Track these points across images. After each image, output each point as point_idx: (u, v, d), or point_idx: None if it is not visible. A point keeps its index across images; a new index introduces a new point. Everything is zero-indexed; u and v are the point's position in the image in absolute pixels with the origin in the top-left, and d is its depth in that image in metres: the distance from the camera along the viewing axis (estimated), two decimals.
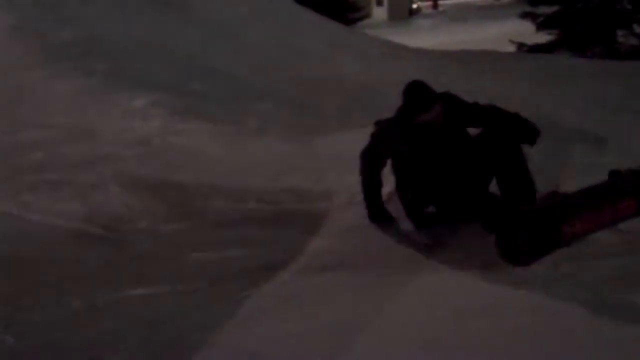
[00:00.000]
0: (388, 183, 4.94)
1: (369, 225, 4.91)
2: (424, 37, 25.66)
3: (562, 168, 5.47)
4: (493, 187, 4.71)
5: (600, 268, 3.73)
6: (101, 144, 6.51)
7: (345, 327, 3.43)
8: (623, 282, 3.54)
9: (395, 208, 4.95)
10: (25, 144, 6.32)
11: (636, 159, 4.85)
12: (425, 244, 4.57)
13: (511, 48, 17.33)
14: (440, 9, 46.05)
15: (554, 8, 17.88)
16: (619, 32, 17.54)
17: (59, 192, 5.56)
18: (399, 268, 4.17)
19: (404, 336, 3.29)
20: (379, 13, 42.52)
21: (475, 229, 4.47)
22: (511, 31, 18.83)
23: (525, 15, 18.22)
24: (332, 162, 6.20)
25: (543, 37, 18.04)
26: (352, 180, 5.13)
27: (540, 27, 18.02)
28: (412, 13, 44.29)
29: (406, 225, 4.83)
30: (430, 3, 47.14)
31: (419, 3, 46.32)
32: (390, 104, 4.89)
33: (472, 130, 4.80)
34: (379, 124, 4.79)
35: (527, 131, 4.66)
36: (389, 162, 4.83)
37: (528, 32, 18.10)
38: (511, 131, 4.62)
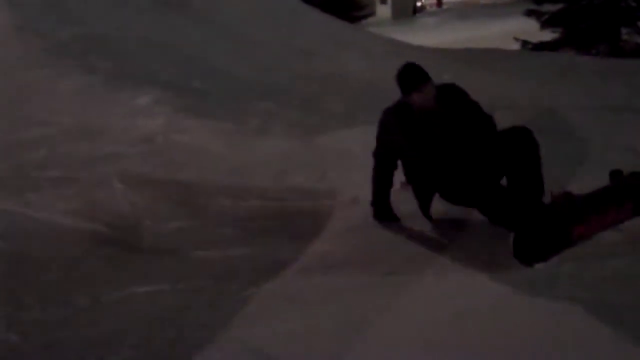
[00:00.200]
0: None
1: (373, 224, 4.91)
2: (428, 35, 25.63)
3: (565, 166, 5.46)
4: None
5: (602, 268, 3.72)
6: (104, 142, 6.52)
7: (347, 327, 3.43)
8: (625, 282, 3.54)
9: (400, 208, 4.95)
10: (28, 142, 6.33)
11: None
12: (429, 243, 4.56)
13: (515, 46, 17.31)
14: (445, 6, 45.96)
15: (559, 6, 17.85)
16: (624, 30, 17.50)
17: (62, 190, 5.56)
18: (402, 268, 4.16)
19: (406, 336, 3.29)
20: (383, 11, 42.46)
21: (479, 229, 4.47)
22: (515, 29, 18.80)
23: (529, 13, 18.19)
24: (336, 160, 6.21)
25: (547, 35, 18.02)
26: (356, 178, 5.13)
27: (545, 24, 17.99)
28: (416, 11, 44.23)
29: (410, 224, 4.83)
30: (434, 1, 47.09)
31: (423, 1, 46.27)
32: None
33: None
34: (383, 114, 4.80)
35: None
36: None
37: (532, 30, 18.07)
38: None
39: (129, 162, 6.16)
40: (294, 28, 11.04)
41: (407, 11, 42.59)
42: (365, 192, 5.05)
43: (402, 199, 4.91)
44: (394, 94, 4.74)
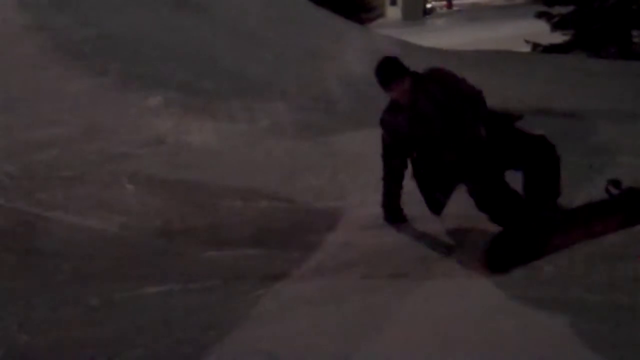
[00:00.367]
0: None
1: (382, 225, 4.91)
2: (438, 36, 25.60)
3: (576, 168, 5.45)
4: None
5: (612, 270, 3.71)
6: (115, 143, 6.54)
7: (357, 328, 3.44)
8: (635, 284, 3.53)
9: (409, 209, 4.95)
10: (39, 141, 6.34)
11: None
12: (438, 245, 4.56)
13: (526, 48, 17.29)
14: (455, 8, 45.94)
15: (569, 8, 17.81)
16: (634, 33, 17.45)
17: (73, 189, 5.57)
18: (411, 269, 4.17)
19: (415, 337, 3.30)
20: (393, 13, 42.47)
21: (488, 230, 4.47)
22: (526, 31, 18.75)
23: (540, 15, 18.15)
24: (346, 161, 6.22)
25: (558, 37, 17.97)
26: (366, 179, 5.13)
27: (556, 27, 17.94)
28: (427, 13, 44.20)
29: (420, 226, 4.83)
30: (444, 3, 47.05)
31: (434, 3, 46.23)
32: None
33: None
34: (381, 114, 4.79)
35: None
36: None
37: (543, 32, 18.03)
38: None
39: (140, 162, 6.18)
40: (303, 29, 11.06)
41: (417, 13, 42.56)
42: (375, 193, 5.05)
43: (412, 201, 4.90)
44: None
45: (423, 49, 12.52)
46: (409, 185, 4.85)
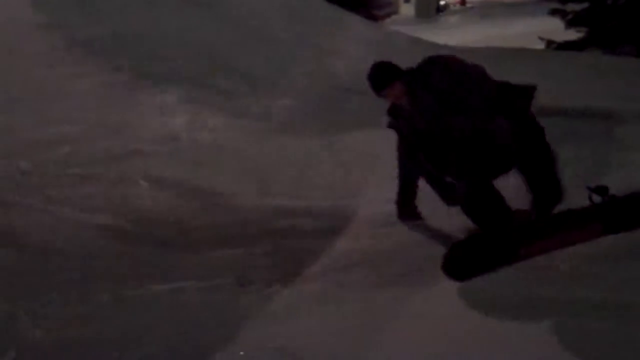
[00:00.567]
0: None
1: (395, 223, 4.90)
2: (451, 34, 25.51)
3: (591, 165, 5.42)
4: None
5: (628, 269, 3.69)
6: (128, 140, 6.55)
7: (368, 325, 3.44)
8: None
9: (423, 207, 4.93)
10: (52, 138, 6.36)
11: None
12: (449, 243, 4.54)
13: (540, 45, 17.20)
14: (469, 5, 45.73)
15: (584, 5, 17.71)
16: None
17: (85, 187, 5.59)
18: (424, 267, 4.15)
19: (427, 334, 3.29)
20: (406, 9, 42.34)
21: None
22: (539, 28, 18.66)
23: (553, 12, 18.05)
24: (358, 159, 6.21)
25: (572, 35, 17.88)
26: (377, 176, 5.11)
27: (570, 24, 17.84)
28: (440, 10, 44.03)
29: (433, 223, 4.81)
30: (458, 0, 46.92)
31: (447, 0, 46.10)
32: None
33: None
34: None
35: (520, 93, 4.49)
36: None
37: (557, 29, 17.94)
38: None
39: (153, 159, 6.19)
40: (315, 26, 11.04)
41: (430, 10, 42.41)
42: (387, 191, 5.04)
43: (424, 199, 4.89)
44: None
45: (438, 47, 12.47)
46: (423, 182, 4.83)
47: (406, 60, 4.57)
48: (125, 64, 8.19)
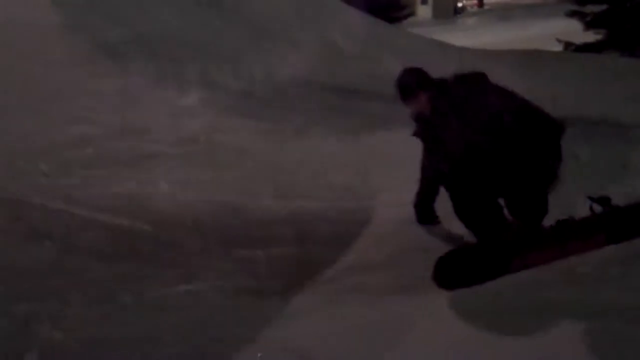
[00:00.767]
0: None
1: (414, 225, 4.89)
2: (469, 35, 25.48)
3: (609, 168, 5.41)
4: None
5: None
6: (148, 142, 6.58)
7: (388, 327, 3.45)
8: None
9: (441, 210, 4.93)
10: (74, 140, 6.39)
11: None
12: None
13: (558, 47, 17.14)
14: (486, 7, 45.60)
15: (602, 7, 17.62)
16: None
17: (108, 188, 5.61)
18: None
19: (445, 337, 3.31)
20: (424, 11, 42.27)
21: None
22: (557, 30, 18.59)
23: (572, 14, 17.98)
24: (377, 161, 6.22)
25: (591, 36, 17.79)
26: (398, 179, 5.11)
27: (589, 26, 17.76)
28: (457, 11, 43.94)
29: (451, 226, 4.81)
30: (475, 1, 46.76)
31: (464, 1, 45.96)
32: None
33: None
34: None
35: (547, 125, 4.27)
36: None
37: (575, 31, 17.86)
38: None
39: (173, 161, 6.22)
40: (333, 28, 11.06)
41: (448, 11, 42.32)
42: (406, 193, 5.03)
43: (441, 201, 4.89)
44: None
45: (456, 49, 12.46)
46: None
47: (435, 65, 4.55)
48: (147, 66, 8.22)
